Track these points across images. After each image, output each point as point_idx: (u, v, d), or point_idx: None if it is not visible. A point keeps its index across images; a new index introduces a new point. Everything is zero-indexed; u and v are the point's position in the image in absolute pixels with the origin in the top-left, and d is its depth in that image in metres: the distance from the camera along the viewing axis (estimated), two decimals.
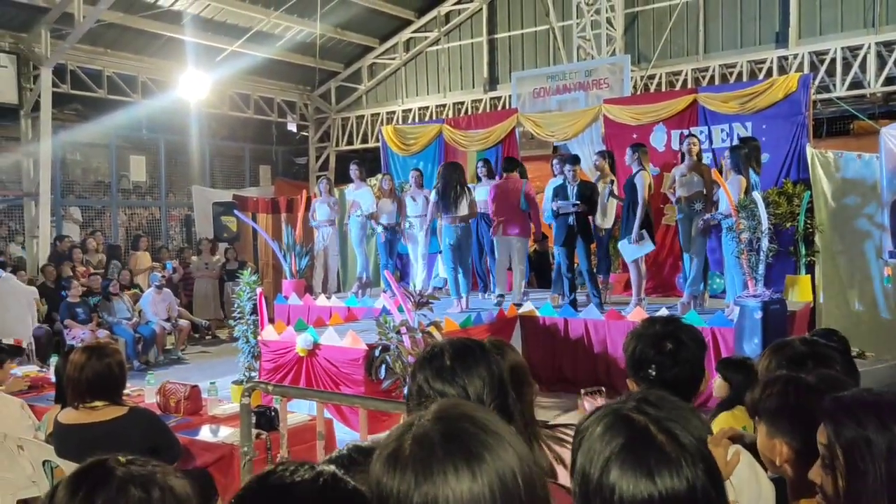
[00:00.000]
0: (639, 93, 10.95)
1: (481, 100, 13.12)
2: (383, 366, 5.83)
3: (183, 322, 10.48)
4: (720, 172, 6.88)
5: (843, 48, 10.19)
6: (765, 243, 6.47)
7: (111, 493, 1.18)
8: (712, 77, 11.07)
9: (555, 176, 8.23)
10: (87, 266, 10.83)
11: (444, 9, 13.35)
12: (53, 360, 5.46)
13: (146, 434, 3.29)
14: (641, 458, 0.95)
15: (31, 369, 6.16)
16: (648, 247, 7.36)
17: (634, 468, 0.95)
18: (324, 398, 3.05)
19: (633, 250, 7.36)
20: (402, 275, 10.02)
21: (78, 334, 8.95)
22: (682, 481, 0.94)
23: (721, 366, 3.54)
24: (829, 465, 1.33)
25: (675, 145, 8.41)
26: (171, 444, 3.42)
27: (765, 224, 6.41)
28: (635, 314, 6.92)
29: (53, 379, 4.50)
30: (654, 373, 1.91)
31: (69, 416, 3.24)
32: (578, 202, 7.42)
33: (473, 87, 13.36)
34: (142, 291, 10.57)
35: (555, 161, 8.42)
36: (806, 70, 10.06)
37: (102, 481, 1.18)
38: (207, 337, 11.57)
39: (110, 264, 11.26)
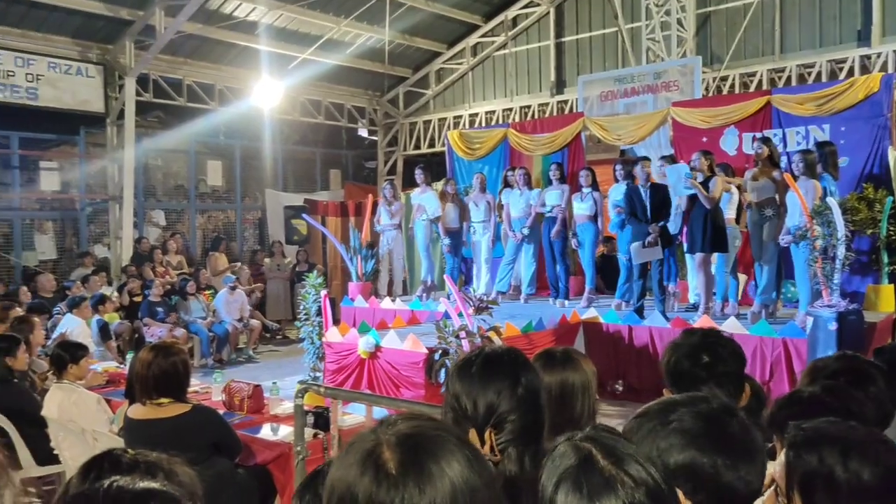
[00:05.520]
0: (710, 95, 10.65)
1: (548, 104, 13.03)
2: (443, 369, 5.89)
3: (254, 322, 10.81)
4: (792, 177, 6.64)
5: None
6: (841, 251, 6.20)
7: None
8: (789, 78, 10.65)
9: (617, 182, 8.04)
10: (167, 267, 11.30)
11: (511, 13, 13.32)
12: (131, 356, 5.74)
13: (208, 431, 3.43)
14: (583, 481, 1.02)
15: (111, 365, 6.47)
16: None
17: (577, 490, 1.01)
18: (372, 401, 3.11)
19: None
20: (467, 279, 10.04)
21: (156, 332, 9.33)
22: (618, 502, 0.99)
23: None
24: (785, 496, 1.25)
25: (747, 149, 8.15)
26: (232, 442, 3.55)
27: (840, 231, 6.14)
28: (702, 322, 6.73)
29: None
30: (688, 385, 1.86)
31: (137, 411, 3.41)
32: (653, 232, 7.18)
33: (540, 90, 13.27)
34: (216, 292, 10.96)
35: (617, 166, 8.19)
36: (890, 69, 9.57)
37: (111, 467, 1.28)
38: (278, 337, 11.91)
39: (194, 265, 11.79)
